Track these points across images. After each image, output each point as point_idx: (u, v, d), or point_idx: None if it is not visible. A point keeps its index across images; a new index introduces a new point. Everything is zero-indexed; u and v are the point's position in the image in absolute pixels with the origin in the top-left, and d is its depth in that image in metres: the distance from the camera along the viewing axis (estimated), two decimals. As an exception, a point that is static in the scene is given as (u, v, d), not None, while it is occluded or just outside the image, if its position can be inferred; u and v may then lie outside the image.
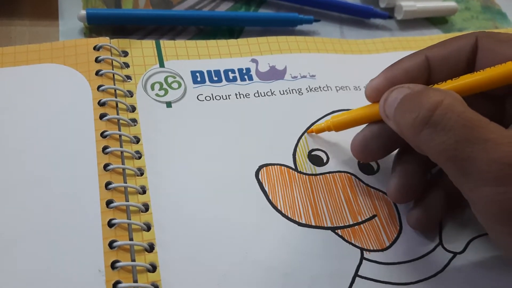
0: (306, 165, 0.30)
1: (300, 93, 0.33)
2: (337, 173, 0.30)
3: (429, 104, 0.22)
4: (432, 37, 0.40)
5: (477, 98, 0.25)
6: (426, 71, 0.26)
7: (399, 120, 0.24)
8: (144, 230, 0.25)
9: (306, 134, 0.31)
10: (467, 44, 0.26)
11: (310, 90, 0.34)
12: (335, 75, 0.35)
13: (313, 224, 0.27)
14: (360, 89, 0.34)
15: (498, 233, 0.22)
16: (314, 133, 0.31)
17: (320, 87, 0.34)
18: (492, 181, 0.20)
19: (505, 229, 0.21)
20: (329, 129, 0.30)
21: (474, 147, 0.20)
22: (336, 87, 0.34)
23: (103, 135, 0.28)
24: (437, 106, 0.22)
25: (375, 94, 0.27)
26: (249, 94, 0.33)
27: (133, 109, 0.30)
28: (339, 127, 0.29)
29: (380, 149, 0.28)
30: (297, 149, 0.30)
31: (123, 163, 0.27)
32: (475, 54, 0.26)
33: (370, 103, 0.28)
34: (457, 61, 0.26)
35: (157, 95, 0.31)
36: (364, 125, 0.28)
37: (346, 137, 0.30)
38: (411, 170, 0.27)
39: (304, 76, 0.34)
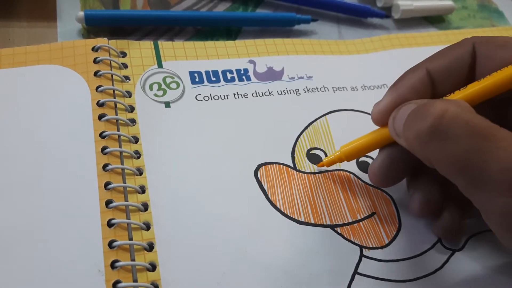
0: (304, 164, 0.30)
1: (297, 94, 0.33)
2: (335, 172, 0.30)
3: (435, 113, 0.21)
4: (431, 33, 0.40)
5: (479, 104, 0.24)
6: (429, 84, 0.26)
7: (408, 134, 0.23)
8: (143, 229, 0.25)
9: (317, 166, 0.30)
10: (466, 52, 0.25)
11: (308, 90, 0.34)
12: (332, 76, 0.35)
13: (313, 222, 0.27)
14: (356, 89, 0.35)
15: None
16: (325, 166, 0.30)
17: (317, 88, 0.34)
18: (507, 191, 0.19)
19: None
20: (340, 160, 0.29)
21: (486, 156, 0.20)
22: (333, 87, 0.34)
23: (102, 135, 0.28)
24: (443, 114, 0.21)
25: (382, 116, 0.26)
26: (247, 94, 0.33)
27: (131, 109, 0.30)
28: (350, 157, 0.28)
29: (399, 172, 0.27)
30: (296, 148, 0.31)
31: (122, 163, 0.28)
32: (474, 61, 0.25)
33: (377, 127, 0.27)
34: (458, 70, 0.25)
35: (155, 95, 0.31)
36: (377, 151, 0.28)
37: (345, 136, 0.30)
38: (433, 185, 0.26)
39: (301, 77, 0.34)
